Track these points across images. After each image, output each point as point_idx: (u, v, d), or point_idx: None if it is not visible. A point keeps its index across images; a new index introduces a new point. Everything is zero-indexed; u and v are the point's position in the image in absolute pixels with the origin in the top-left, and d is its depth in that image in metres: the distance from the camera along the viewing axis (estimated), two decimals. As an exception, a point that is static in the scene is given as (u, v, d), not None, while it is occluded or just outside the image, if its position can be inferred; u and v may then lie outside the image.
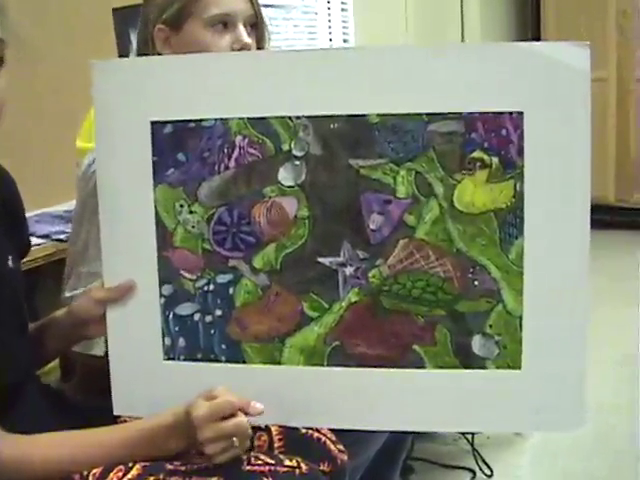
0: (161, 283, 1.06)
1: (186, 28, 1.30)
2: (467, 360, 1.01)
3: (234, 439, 0.95)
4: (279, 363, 1.04)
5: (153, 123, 1.03)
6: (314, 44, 3.45)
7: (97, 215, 1.06)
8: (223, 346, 1.05)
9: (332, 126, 0.99)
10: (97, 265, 1.23)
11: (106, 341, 1.12)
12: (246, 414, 0.96)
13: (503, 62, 0.95)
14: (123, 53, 2.25)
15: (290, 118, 1.00)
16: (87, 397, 1.32)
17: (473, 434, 1.97)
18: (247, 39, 1.30)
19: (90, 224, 1.32)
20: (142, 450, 0.97)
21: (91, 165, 1.32)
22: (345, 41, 3.55)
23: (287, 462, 1.00)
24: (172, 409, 0.98)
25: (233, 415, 0.95)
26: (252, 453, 1.01)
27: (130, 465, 0.96)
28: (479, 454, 1.97)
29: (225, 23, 1.30)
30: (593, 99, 0.95)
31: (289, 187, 1.01)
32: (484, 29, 3.94)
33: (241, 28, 1.30)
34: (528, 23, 4.48)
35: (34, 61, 1.88)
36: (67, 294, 1.39)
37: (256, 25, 1.34)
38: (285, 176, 1.01)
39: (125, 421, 1.08)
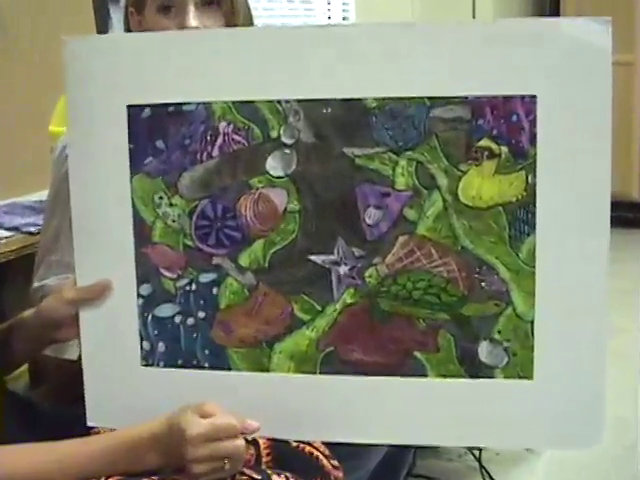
0: (139, 282, 1.05)
1: (146, 12, 1.33)
2: (473, 369, 1.00)
3: (225, 461, 0.95)
4: (267, 370, 1.04)
5: (130, 107, 1.03)
6: (311, 22, 3.44)
7: (70, 202, 1.06)
8: (206, 351, 1.05)
9: (325, 111, 0.99)
10: (69, 254, 1.23)
11: (79, 344, 1.12)
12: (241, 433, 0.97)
13: (514, 40, 0.95)
14: (102, 29, 2.25)
15: (279, 102, 1.00)
16: (59, 406, 1.32)
17: (480, 450, 1.97)
18: (191, 22, 1.29)
19: (63, 211, 1.33)
20: (122, 462, 0.97)
21: (65, 148, 1.32)
22: (345, 18, 3.54)
23: (275, 478, 1.00)
24: (154, 420, 0.98)
25: (231, 437, 0.96)
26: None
27: None
28: (487, 472, 1.96)
29: (172, 6, 1.30)
30: (616, 85, 0.94)
31: (278, 178, 1.01)
32: (497, 4, 3.93)
33: (189, 9, 1.29)
34: (546, 1, 4.46)
35: (3, 39, 1.88)
36: (36, 284, 1.41)
37: (218, 1, 1.33)
38: (274, 166, 1.01)
39: (99, 432, 1.08)
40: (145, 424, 0.98)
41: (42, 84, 1.93)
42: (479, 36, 0.96)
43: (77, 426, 1.08)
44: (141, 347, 1.06)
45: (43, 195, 1.73)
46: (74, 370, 1.13)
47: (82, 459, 0.98)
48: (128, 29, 1.38)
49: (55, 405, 1.35)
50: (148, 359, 1.07)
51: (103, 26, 2.26)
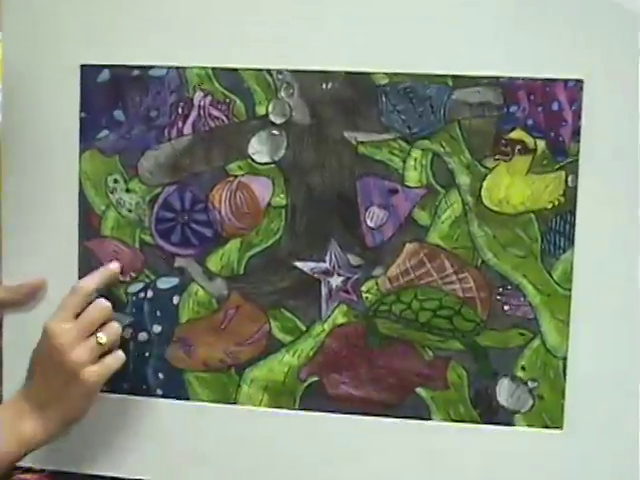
0: (81, 285, 1.06)
1: None
2: (489, 412, 1.01)
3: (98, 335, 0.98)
4: (234, 402, 1.05)
5: (84, 67, 1.04)
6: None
7: None
8: (160, 375, 1.06)
9: (324, 86, 1.01)
10: None
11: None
12: None
13: (557, 13, 0.96)
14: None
15: (269, 72, 1.01)
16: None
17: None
18: None
19: None
20: None
21: None
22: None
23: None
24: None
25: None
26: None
27: None
28: None
29: None
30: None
31: (262, 164, 1.02)
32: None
33: None
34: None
35: None
36: None
37: None
38: (258, 149, 1.02)
39: (27, 470, 1.07)
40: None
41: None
42: (515, 5, 0.97)
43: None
44: (80, 366, 1.07)
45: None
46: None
47: None
48: None
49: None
50: (87, 382, 1.07)
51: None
